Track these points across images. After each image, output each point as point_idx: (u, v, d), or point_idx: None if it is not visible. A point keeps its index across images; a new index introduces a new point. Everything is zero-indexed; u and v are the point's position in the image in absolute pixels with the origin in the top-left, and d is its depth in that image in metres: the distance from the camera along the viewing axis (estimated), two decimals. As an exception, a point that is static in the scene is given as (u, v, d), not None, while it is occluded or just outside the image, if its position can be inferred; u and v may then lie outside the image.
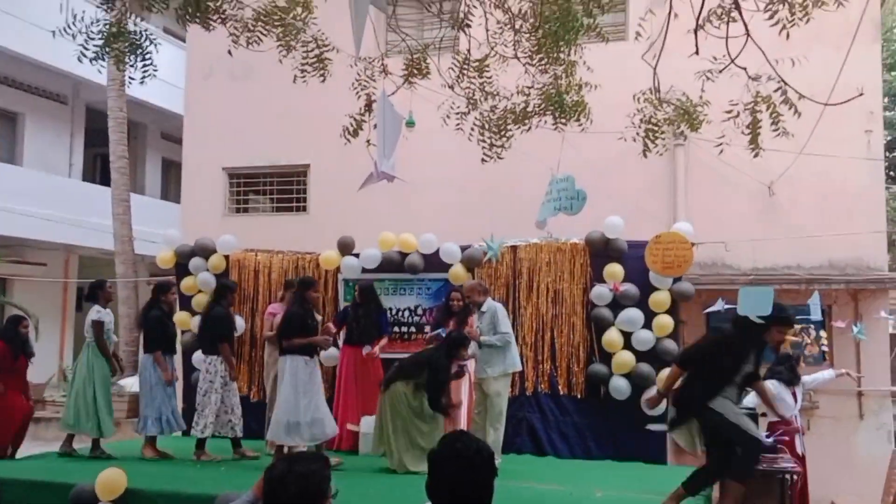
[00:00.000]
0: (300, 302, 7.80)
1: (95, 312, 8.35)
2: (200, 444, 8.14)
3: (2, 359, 8.25)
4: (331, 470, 2.71)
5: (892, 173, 21.42)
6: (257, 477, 2.80)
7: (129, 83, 6.68)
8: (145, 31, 6.38)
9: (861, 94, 4.89)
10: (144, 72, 6.22)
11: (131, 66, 6.28)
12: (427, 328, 9.24)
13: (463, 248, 9.38)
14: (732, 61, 4.87)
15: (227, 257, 10.13)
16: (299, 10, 6.43)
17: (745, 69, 5.04)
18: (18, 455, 8.44)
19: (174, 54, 15.49)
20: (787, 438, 7.59)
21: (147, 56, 6.21)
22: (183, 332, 9.60)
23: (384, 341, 8.92)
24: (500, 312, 7.66)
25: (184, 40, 13.89)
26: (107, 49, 6.16)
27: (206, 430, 8.07)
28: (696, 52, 5.01)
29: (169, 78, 12.61)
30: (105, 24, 6.20)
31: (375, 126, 6.44)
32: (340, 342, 9.26)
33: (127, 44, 6.18)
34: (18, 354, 8.43)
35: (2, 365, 8.24)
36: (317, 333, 7.89)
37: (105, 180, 16.48)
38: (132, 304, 13.80)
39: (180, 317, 9.65)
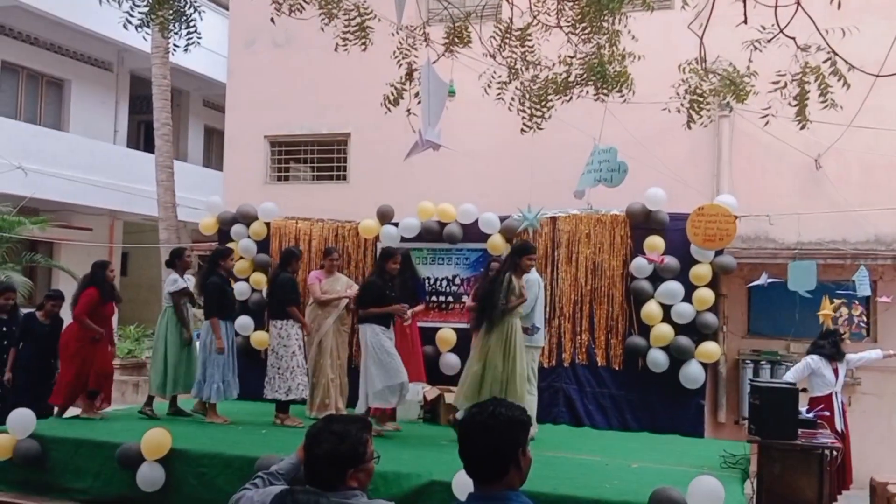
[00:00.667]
0: (379, 272, 7.95)
1: (173, 281, 8.49)
2: (283, 406, 8.21)
3: (92, 304, 8.27)
4: (371, 434, 2.74)
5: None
6: (298, 440, 2.86)
7: (174, 51, 6.73)
8: (190, -2, 6.41)
9: (914, 65, 4.75)
10: (188, 39, 6.26)
11: (176, 33, 6.32)
12: (465, 298, 9.28)
13: (502, 219, 9.37)
14: (781, 31, 4.76)
15: (268, 224, 10.25)
16: (342, -23, 6.41)
17: (794, 39, 4.92)
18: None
19: (218, 22, 15.57)
20: (827, 414, 7.52)
21: (191, 23, 6.25)
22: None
23: (420, 307, 8.97)
24: (537, 285, 7.68)
25: (227, 8, 13.94)
26: (152, 16, 6.21)
27: (290, 392, 8.16)
28: (745, 22, 4.90)
29: (212, 46, 12.70)
30: (150, -8, 6.24)
31: (417, 95, 6.43)
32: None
33: (172, 11, 6.22)
34: (107, 299, 8.48)
35: (92, 310, 8.28)
36: (394, 303, 7.97)
37: (149, 147, 16.70)
38: (175, 269, 14.02)
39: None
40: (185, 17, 6.25)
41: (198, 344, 8.63)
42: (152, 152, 14.94)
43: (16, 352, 8.51)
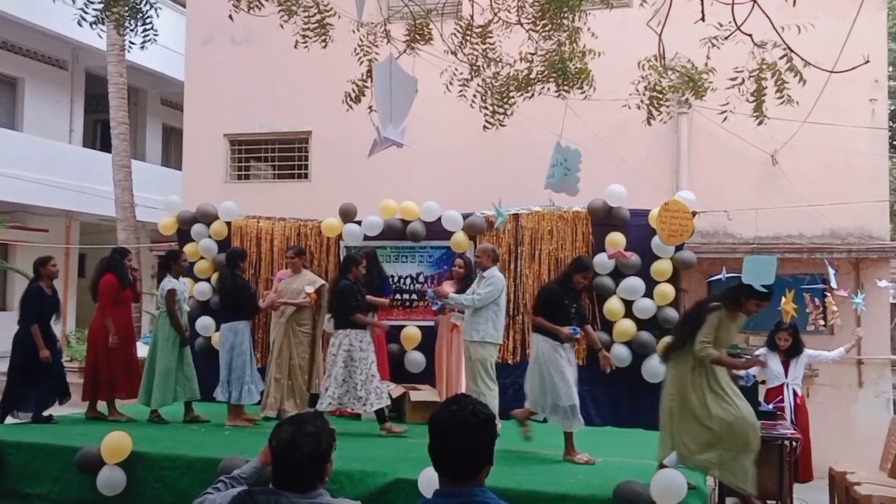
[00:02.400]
0: (349, 276, 7.83)
1: (169, 282, 8.29)
2: (381, 416, 7.77)
3: (111, 289, 8.14)
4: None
5: (895, 143, 21.32)
6: (261, 441, 2.84)
7: (130, 48, 6.61)
8: (146, -6, 6.32)
9: (867, 62, 4.86)
10: (145, 36, 6.17)
11: (131, 30, 6.23)
12: (429, 293, 9.27)
13: (465, 216, 9.37)
14: (738, 28, 4.83)
15: (228, 224, 10.13)
16: (301, -26, 6.36)
17: (750, 36, 5.00)
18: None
19: (175, 19, 15.36)
20: (784, 405, 7.65)
21: (147, 20, 6.16)
22: (189, 298, 9.61)
23: (385, 300, 8.91)
24: (492, 281, 7.56)
25: (184, 5, 13.76)
26: (107, 13, 6.11)
27: (380, 401, 7.65)
28: (703, 19, 4.96)
29: (169, 43, 12.53)
30: (105, -12, 6.14)
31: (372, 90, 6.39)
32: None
33: (127, 8, 6.13)
34: (126, 285, 8.35)
35: (112, 296, 8.15)
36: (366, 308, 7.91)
37: (106, 146, 16.43)
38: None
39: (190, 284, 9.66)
40: (141, 14, 6.16)
41: (219, 347, 8.49)
42: (109, 151, 14.70)
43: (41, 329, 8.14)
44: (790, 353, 7.91)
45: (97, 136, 20.28)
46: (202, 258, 10.08)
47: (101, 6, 6.09)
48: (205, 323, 9.77)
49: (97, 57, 16.12)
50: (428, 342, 9.10)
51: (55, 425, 7.90)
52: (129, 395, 8.38)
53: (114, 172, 14.11)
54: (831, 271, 8.25)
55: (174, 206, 10.47)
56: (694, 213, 8.86)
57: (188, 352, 8.48)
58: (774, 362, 7.83)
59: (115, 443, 6.42)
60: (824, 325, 9.54)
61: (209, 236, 10.08)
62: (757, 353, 7.88)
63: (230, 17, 6.36)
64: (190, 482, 6.16)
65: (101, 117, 18.18)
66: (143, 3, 6.15)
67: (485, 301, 7.48)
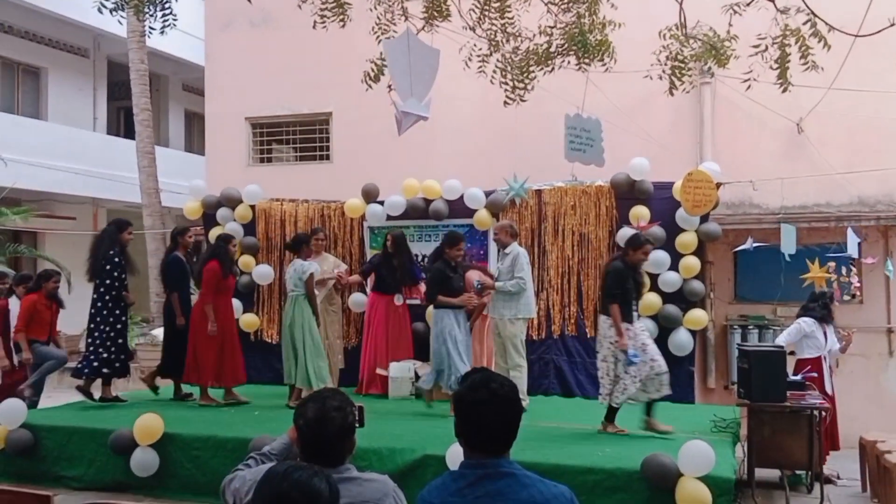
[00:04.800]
0: (443, 258, 7.72)
1: (304, 265, 8.13)
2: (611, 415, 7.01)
3: (214, 277, 8.16)
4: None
5: (925, 107, 20.89)
6: (290, 420, 2.87)
7: (150, 34, 6.65)
8: (164, -20, 6.34)
9: (893, 25, 4.75)
10: (164, 22, 6.20)
11: (151, 16, 6.26)
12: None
13: (487, 194, 9.35)
14: (760, -6, 4.76)
15: (253, 207, 10.20)
16: (318, -46, 6.34)
17: (773, 1, 4.92)
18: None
19: (194, 4, 15.37)
20: (815, 375, 7.57)
21: (167, 6, 6.19)
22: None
23: (422, 287, 8.96)
24: (522, 258, 7.62)
25: (202, -11, 13.77)
26: (126, -1, 6.14)
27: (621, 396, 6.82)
28: (723, -15, 4.89)
29: (189, 28, 12.55)
30: (124, -25, 6.17)
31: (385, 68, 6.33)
32: (368, 289, 9.35)
33: (146, -7, 6.15)
34: (228, 272, 8.37)
35: (214, 284, 8.17)
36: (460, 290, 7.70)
37: (129, 133, 16.55)
38: (160, 255, 13.95)
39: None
40: (160, 0, 6.18)
41: (160, 330, 8.52)
42: (133, 138, 14.81)
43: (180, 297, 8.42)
44: (828, 321, 7.79)
45: (120, 123, 20.43)
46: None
47: (120, -8, 6.12)
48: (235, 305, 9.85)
49: (118, 44, 16.19)
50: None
51: (88, 408, 8.04)
52: (234, 383, 8.36)
53: (138, 159, 14.21)
54: (852, 240, 8.13)
55: (199, 190, 10.55)
56: (719, 184, 8.77)
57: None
58: (819, 333, 7.71)
59: (148, 425, 6.53)
60: (850, 296, 9.43)
61: (234, 220, 10.15)
62: (801, 325, 7.70)
63: (248, 0, 6.36)
64: (221, 462, 6.26)
65: (123, 104, 18.30)
66: (162, -12, 6.17)
67: (528, 281, 7.57)
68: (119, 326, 8.27)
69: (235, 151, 12.03)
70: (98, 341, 8.16)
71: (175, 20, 6.21)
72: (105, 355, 8.15)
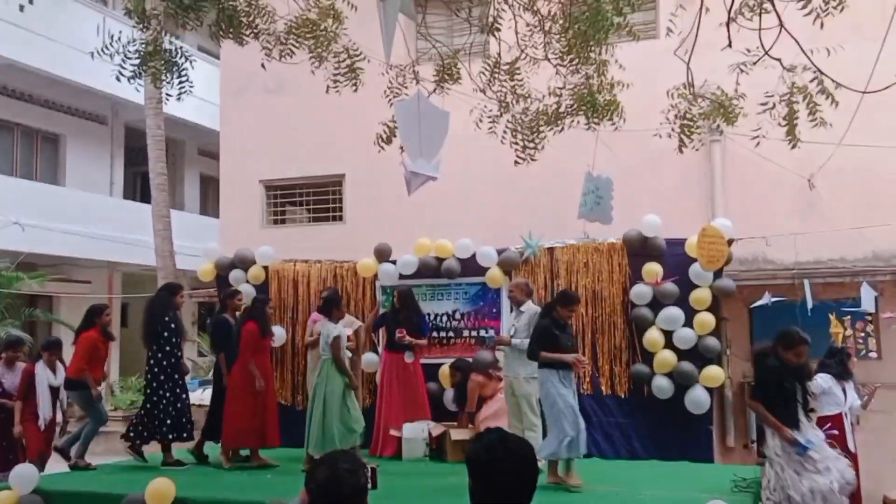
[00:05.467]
0: (553, 315, 7.13)
1: (333, 328, 8.00)
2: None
3: (252, 337, 8.16)
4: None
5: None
6: (302, 482, 2.83)
7: (167, 100, 6.80)
8: (180, 48, 6.51)
9: (900, 81, 4.81)
10: (181, 88, 6.35)
11: (168, 83, 6.40)
12: (465, 332, 9.32)
13: (499, 252, 9.38)
14: (766, 53, 4.82)
15: (266, 268, 10.25)
16: (330, 21, 6.51)
17: (779, 60, 4.99)
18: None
19: (209, 72, 15.73)
20: (836, 433, 7.44)
21: (183, 73, 6.34)
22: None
23: (423, 341, 8.96)
24: (533, 317, 7.60)
25: (218, 57, 14.10)
26: (143, 67, 6.29)
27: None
28: (730, 45, 4.97)
29: (205, 95, 12.85)
30: (141, 44, 6.34)
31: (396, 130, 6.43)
32: (380, 348, 9.32)
33: (163, 62, 6.31)
34: (266, 333, 8.41)
35: (252, 344, 8.16)
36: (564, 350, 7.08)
37: (145, 197, 16.78)
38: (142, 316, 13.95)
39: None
40: (176, 67, 6.34)
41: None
42: (149, 202, 14.99)
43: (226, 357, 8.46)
44: (845, 377, 7.69)
45: (137, 187, 20.73)
46: (241, 302, 10.17)
47: (138, 61, 6.28)
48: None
49: (136, 111, 16.53)
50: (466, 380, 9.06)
51: (100, 473, 7.97)
52: (275, 443, 8.31)
53: (154, 222, 14.37)
54: (867, 294, 8.07)
55: (213, 252, 10.63)
56: (731, 241, 8.77)
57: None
58: (838, 390, 7.62)
59: (160, 489, 6.45)
60: (867, 351, 9.32)
61: (247, 281, 10.19)
62: (818, 381, 7.62)
63: (262, 65, 6.51)
64: (234, 527, 6.16)
65: (140, 170, 18.61)
66: (178, 55, 6.33)
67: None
68: (178, 390, 8.29)
69: (249, 214, 12.15)
70: (160, 405, 8.17)
71: (191, 86, 6.36)
72: (169, 421, 8.16)
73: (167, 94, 6.66)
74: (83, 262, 17.13)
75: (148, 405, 8.25)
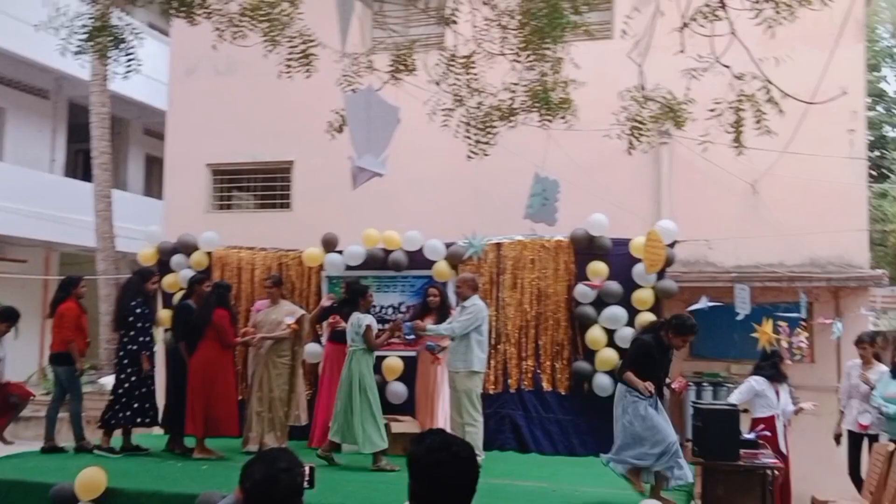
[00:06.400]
0: (656, 333, 6.49)
1: (357, 318, 7.77)
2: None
3: (228, 328, 7.99)
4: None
5: (874, 173, 21.62)
6: (238, 474, 2.78)
7: (113, 78, 6.64)
8: (129, 25, 6.34)
9: (844, 94, 4.93)
10: (128, 66, 6.20)
11: (115, 60, 6.24)
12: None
13: (447, 245, 9.37)
14: (717, 60, 4.90)
15: (209, 254, 10.07)
16: (285, 4, 6.41)
17: (729, 67, 5.07)
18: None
19: (158, 50, 15.36)
20: (769, 434, 7.63)
21: (131, 51, 6.19)
22: (165, 331, 9.50)
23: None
24: (474, 311, 7.57)
25: (168, 35, 13.79)
26: (90, 43, 6.11)
27: None
28: (682, 51, 5.04)
29: (153, 73, 12.52)
30: (89, 19, 6.15)
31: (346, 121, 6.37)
32: (324, 339, 9.24)
33: (110, 38, 6.14)
34: (235, 320, 8.23)
35: (227, 335, 8.00)
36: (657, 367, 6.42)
37: (87, 176, 16.34)
38: (113, 301, 13.68)
39: (161, 315, 9.54)
40: (124, 45, 6.17)
41: (108, 378, 8.36)
42: (91, 181, 14.62)
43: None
44: (779, 380, 7.89)
45: (79, 165, 20.18)
46: (182, 289, 9.98)
47: (84, 36, 6.10)
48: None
49: (80, 87, 16.09)
50: (409, 373, 9.04)
51: (29, 461, 7.76)
52: (234, 433, 8.18)
53: (95, 202, 14.03)
54: (802, 301, 8.31)
55: (154, 236, 10.40)
56: (674, 243, 8.92)
57: None
58: (771, 392, 7.81)
59: (90, 479, 6.29)
60: (800, 355, 9.58)
61: (189, 267, 10.00)
62: (751, 384, 7.85)
63: (214, 47, 6.38)
64: (167, 517, 6.05)
65: (83, 147, 18.12)
66: (127, 33, 6.17)
67: (464, 329, 7.48)
68: (144, 377, 8.15)
69: (194, 197, 11.92)
70: (128, 392, 8.05)
71: (139, 65, 6.21)
72: (136, 405, 8.05)
73: (114, 72, 6.49)
74: (20, 240, 16.61)
75: (119, 392, 8.13)
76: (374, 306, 9.28)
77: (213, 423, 8.01)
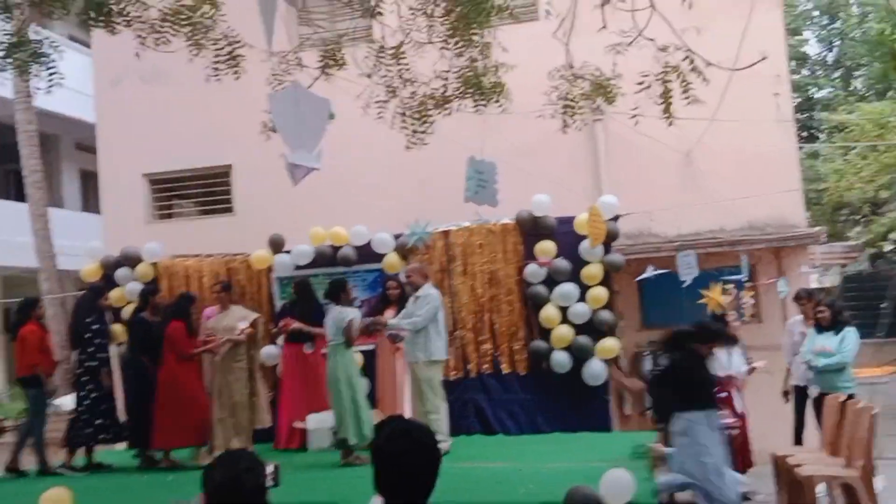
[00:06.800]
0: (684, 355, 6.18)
1: (338, 311, 7.72)
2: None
3: (181, 339, 7.91)
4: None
5: (804, 134, 22.21)
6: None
7: (36, 93, 6.49)
8: (47, 39, 6.19)
9: (764, 59, 5.06)
10: (50, 81, 6.05)
11: (35, 75, 6.09)
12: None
13: (395, 237, 9.37)
14: (640, 34, 4.99)
15: (155, 265, 9.91)
16: (207, 7, 6.31)
17: (653, 40, 5.16)
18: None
19: (82, 62, 15.00)
20: (724, 395, 7.78)
21: (52, 65, 6.04)
22: (118, 345, 9.34)
23: (322, 330, 8.82)
24: (432, 299, 7.64)
25: (90, 46, 13.46)
26: (8, 59, 5.95)
27: None
28: (605, 27, 5.10)
29: (78, 87, 12.22)
30: (4, 34, 5.99)
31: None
32: (280, 341, 9.17)
33: (29, 53, 5.98)
34: (193, 334, 8.13)
35: (182, 347, 7.91)
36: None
37: (21, 196, 15.90)
38: (61, 320, 13.38)
39: (114, 329, 9.37)
40: (44, 59, 6.02)
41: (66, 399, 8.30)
42: (25, 201, 14.25)
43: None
44: (731, 343, 8.02)
45: (10, 185, 19.61)
46: (130, 303, 9.81)
47: (2, 53, 5.94)
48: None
49: (4, 106, 15.61)
50: (369, 366, 9.04)
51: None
52: (197, 442, 8.09)
53: (31, 222, 13.68)
54: (744, 263, 8.51)
55: (96, 251, 10.22)
56: (617, 217, 9.05)
57: None
58: (721, 353, 7.94)
59: (55, 499, 6.16)
60: (746, 316, 9.82)
61: (135, 279, 9.83)
62: None
63: (137, 55, 6.26)
64: (134, 533, 5.98)
65: (13, 167, 17.62)
66: (46, 46, 6.02)
67: (426, 321, 7.54)
68: (104, 393, 8.13)
69: (134, 209, 11.72)
70: (90, 409, 8.02)
71: (61, 79, 6.07)
72: (98, 421, 8.01)
73: (36, 88, 6.33)
74: (-44, 266, 16.13)
75: (80, 409, 8.10)
76: (355, 298, 9.24)
77: (182, 433, 7.98)
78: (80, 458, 8.28)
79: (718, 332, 6.26)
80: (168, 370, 8.04)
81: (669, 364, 6.38)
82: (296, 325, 8.63)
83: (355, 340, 7.78)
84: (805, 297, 8.42)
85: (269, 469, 2.72)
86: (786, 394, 8.59)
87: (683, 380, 6.09)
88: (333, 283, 8.15)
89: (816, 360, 7.51)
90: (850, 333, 7.75)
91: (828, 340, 7.53)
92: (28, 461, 8.39)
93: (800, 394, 8.45)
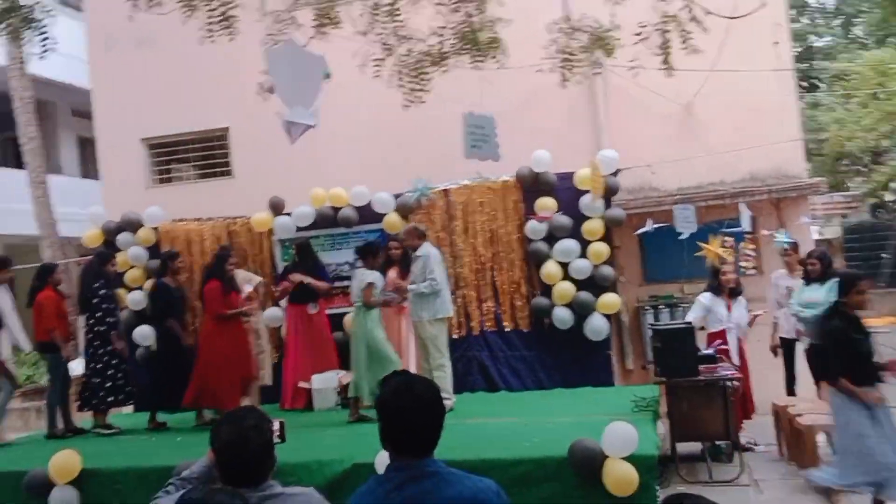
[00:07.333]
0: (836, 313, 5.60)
1: (360, 273, 7.73)
2: None
3: (216, 300, 8.06)
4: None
5: (804, 84, 22.01)
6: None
7: (30, 60, 6.43)
8: (38, 3, 6.13)
9: (764, 6, 4.99)
10: (43, 46, 6.00)
11: (28, 41, 6.03)
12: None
13: (396, 197, 9.36)
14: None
15: (155, 229, 9.93)
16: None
17: (652, -10, 5.10)
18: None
19: (75, 26, 14.83)
20: (726, 347, 7.84)
21: (44, 29, 5.99)
22: (123, 309, 9.40)
23: (326, 285, 8.86)
24: (433, 258, 7.68)
25: (82, 10, 13.30)
26: (0, 25, 5.90)
27: None
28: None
29: (72, 52, 12.11)
30: (-5, 0, 5.93)
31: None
32: (284, 303, 9.22)
33: (20, 18, 5.92)
34: (229, 290, 8.21)
35: (216, 307, 8.06)
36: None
37: (20, 164, 15.85)
38: (74, 286, 13.42)
39: (118, 293, 9.41)
40: (36, 24, 5.97)
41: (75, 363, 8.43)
42: (24, 168, 14.21)
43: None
44: (735, 294, 8.04)
45: (8, 153, 19.53)
46: (132, 267, 9.85)
47: (-7, 19, 5.89)
48: (143, 332, 9.53)
49: (-1, 73, 15.49)
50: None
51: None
52: (232, 404, 8.01)
53: (31, 189, 13.67)
54: (745, 215, 8.48)
55: (97, 217, 10.23)
56: (617, 171, 9.03)
57: None
58: (719, 306, 7.97)
59: (64, 462, 6.27)
60: (748, 268, 9.82)
61: (136, 244, 9.86)
62: (700, 300, 8.02)
63: (130, 18, 6.20)
64: (145, 493, 5.96)
65: (11, 135, 17.52)
66: (37, 11, 5.96)
67: (441, 283, 7.58)
68: (115, 356, 8.24)
69: (133, 174, 11.68)
70: (99, 372, 8.14)
71: (54, 44, 6.03)
72: (110, 384, 8.14)
73: (30, 53, 6.28)
74: (-43, 235, 16.12)
75: (89, 373, 8.24)
76: (329, 263, 9.29)
77: (209, 395, 8.09)
78: (87, 420, 8.40)
79: (858, 279, 5.55)
80: (207, 331, 8.20)
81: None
82: (298, 276, 8.68)
83: (374, 305, 7.70)
84: (791, 249, 8.41)
85: (276, 426, 2.76)
86: (775, 349, 8.58)
87: (832, 351, 5.59)
88: (367, 244, 8.03)
89: (804, 313, 7.45)
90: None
91: (815, 292, 7.44)
92: (77, 418, 8.60)
93: (788, 347, 8.47)
